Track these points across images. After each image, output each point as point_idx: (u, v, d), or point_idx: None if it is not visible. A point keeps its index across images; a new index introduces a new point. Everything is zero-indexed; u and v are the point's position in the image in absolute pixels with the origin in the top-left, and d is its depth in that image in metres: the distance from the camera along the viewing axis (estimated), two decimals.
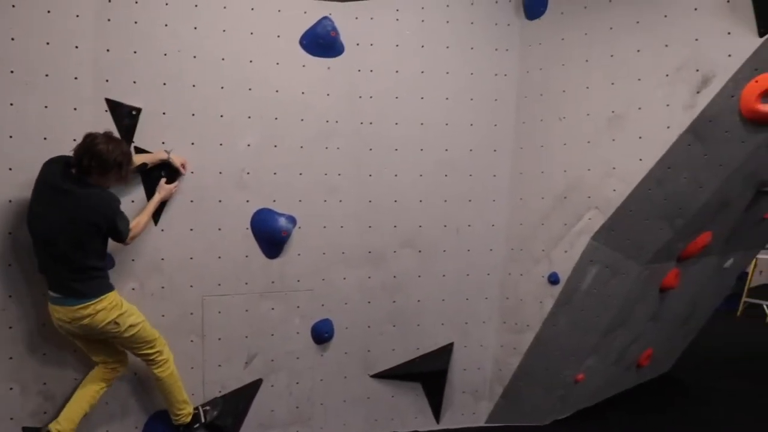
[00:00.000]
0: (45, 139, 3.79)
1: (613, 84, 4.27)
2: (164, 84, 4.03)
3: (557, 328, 4.78)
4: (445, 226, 4.76)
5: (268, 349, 4.56)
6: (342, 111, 4.46)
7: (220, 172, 4.24)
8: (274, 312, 4.53)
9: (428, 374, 4.96)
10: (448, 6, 4.56)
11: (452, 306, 4.90)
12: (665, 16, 4.03)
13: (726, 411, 5.52)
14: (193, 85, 4.10)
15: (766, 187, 4.55)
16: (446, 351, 4.96)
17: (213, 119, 4.17)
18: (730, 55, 3.82)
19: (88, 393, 3.95)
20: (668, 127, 4.06)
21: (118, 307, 3.75)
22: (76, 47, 3.82)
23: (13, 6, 3.66)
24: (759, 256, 9.52)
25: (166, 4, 3.99)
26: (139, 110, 3.98)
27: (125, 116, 3.96)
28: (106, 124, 3.89)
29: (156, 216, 4.11)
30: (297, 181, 4.42)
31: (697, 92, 3.94)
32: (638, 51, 4.15)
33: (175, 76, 4.05)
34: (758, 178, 4.43)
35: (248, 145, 4.27)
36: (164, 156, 3.99)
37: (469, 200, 4.76)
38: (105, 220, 3.60)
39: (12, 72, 3.69)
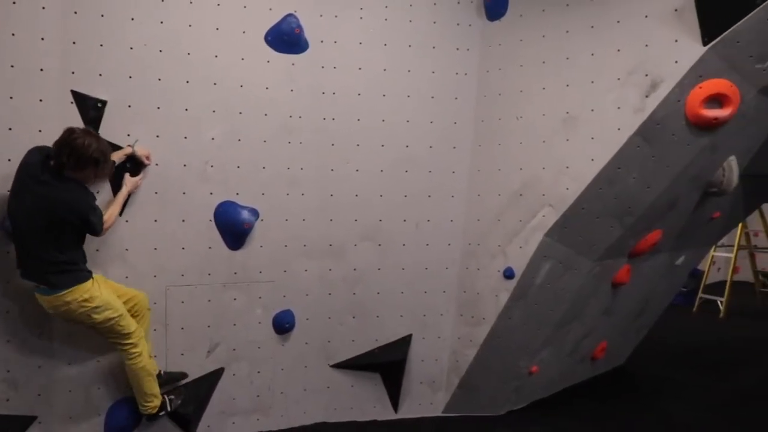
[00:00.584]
0: (10, 129, 3.83)
1: (567, 86, 4.39)
2: (130, 77, 4.09)
3: (512, 321, 4.91)
4: (404, 220, 4.87)
5: (230, 338, 4.64)
6: (305, 106, 4.54)
7: (185, 165, 4.31)
8: (237, 302, 4.61)
9: (387, 365, 5.07)
10: (411, 5, 4.65)
11: (411, 298, 5.01)
12: (618, 21, 4.17)
13: (678, 401, 5.70)
14: (159, 79, 4.16)
15: (713, 188, 4.71)
16: (405, 342, 5.07)
17: (178, 113, 4.24)
18: (677, 62, 3.96)
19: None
20: (619, 129, 4.19)
21: (94, 298, 3.79)
22: (42, 39, 3.86)
23: None
24: (716, 253, 9.82)
25: None
26: (104, 102, 4.03)
27: (91, 108, 4.01)
28: (71, 115, 3.95)
29: (121, 207, 4.17)
30: (260, 175, 4.50)
31: (646, 96, 4.07)
32: (592, 54, 4.28)
33: (141, 69, 4.11)
34: (703, 180, 4.60)
35: (212, 139, 4.35)
36: (129, 151, 4.05)
37: (429, 196, 4.87)
38: (77, 215, 3.67)
39: None
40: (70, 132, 3.58)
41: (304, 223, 4.69)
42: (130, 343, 4.02)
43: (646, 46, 4.07)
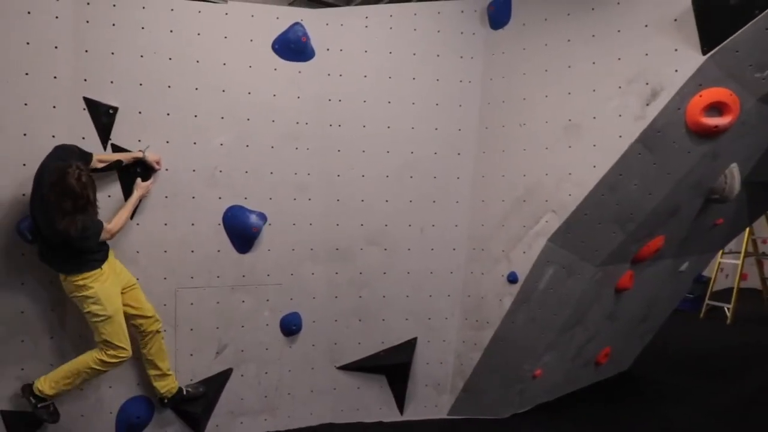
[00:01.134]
0: (25, 135, 3.94)
1: (569, 94, 4.45)
2: (140, 84, 4.20)
3: (516, 325, 4.97)
4: (409, 225, 4.94)
5: (238, 340, 4.73)
6: (312, 113, 4.63)
7: (194, 170, 4.41)
8: (245, 305, 4.70)
9: (392, 367, 5.13)
10: (415, 14, 4.74)
11: (416, 302, 5.08)
12: (619, 30, 4.22)
13: (681, 407, 5.71)
14: (169, 86, 4.27)
15: (715, 195, 4.75)
16: (410, 345, 5.13)
17: (187, 119, 4.35)
18: (676, 71, 4.01)
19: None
20: (620, 137, 4.24)
21: (88, 288, 3.88)
22: (56, 47, 3.98)
23: None
24: (723, 260, 9.81)
25: (143, 7, 4.17)
26: (116, 109, 4.15)
27: (102, 114, 4.12)
28: (83, 121, 4.07)
29: (131, 212, 4.27)
30: (268, 180, 4.60)
31: (647, 104, 4.12)
32: (593, 63, 4.34)
33: (151, 76, 4.23)
34: (705, 187, 4.64)
35: (221, 145, 4.45)
36: (139, 155, 4.16)
37: (433, 201, 4.94)
38: (71, 239, 3.74)
39: None
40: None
41: (311, 227, 4.77)
42: (112, 352, 4.04)
43: (647, 55, 4.12)
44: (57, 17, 3.95)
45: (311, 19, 4.54)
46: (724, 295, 10.00)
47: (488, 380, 5.20)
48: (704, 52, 3.90)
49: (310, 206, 4.74)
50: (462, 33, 4.80)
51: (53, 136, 3.93)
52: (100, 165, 4.04)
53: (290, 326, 4.84)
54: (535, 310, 4.92)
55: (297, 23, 4.50)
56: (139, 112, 4.22)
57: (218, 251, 4.56)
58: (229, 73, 4.40)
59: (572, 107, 4.46)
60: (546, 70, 4.55)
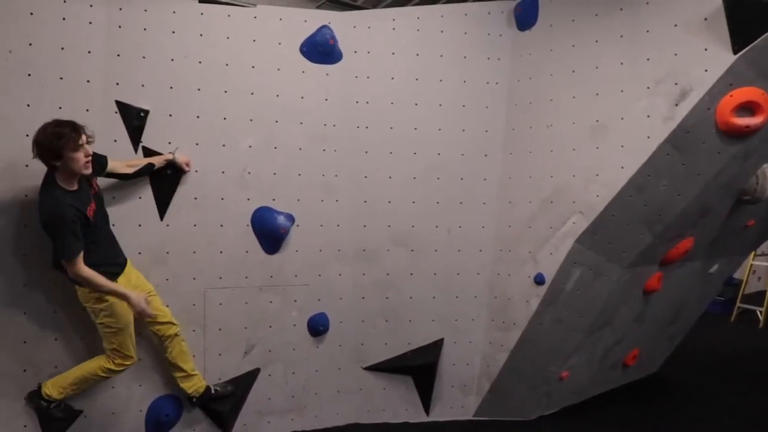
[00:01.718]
0: None
1: (597, 94, 4.43)
2: (171, 87, 4.26)
3: (543, 326, 4.96)
4: (436, 226, 4.95)
5: (266, 340, 4.77)
6: (339, 115, 4.66)
7: (223, 172, 4.46)
8: (273, 305, 4.74)
9: (419, 368, 5.14)
10: (442, 16, 4.75)
11: (443, 303, 5.08)
12: (647, 31, 4.19)
13: (710, 411, 5.65)
14: (198, 89, 4.33)
15: (746, 196, 4.69)
16: (436, 346, 5.14)
17: (216, 121, 4.40)
18: (706, 70, 3.97)
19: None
20: (648, 137, 4.21)
21: (101, 300, 3.88)
22: (89, 52, 4.05)
23: (31, 13, 3.90)
24: (755, 262, 9.66)
25: (174, 12, 4.22)
26: (147, 112, 4.21)
27: (134, 117, 4.19)
28: (115, 124, 4.14)
29: (162, 211, 4.34)
30: (295, 182, 4.63)
31: (676, 105, 4.09)
32: (621, 63, 4.31)
33: (181, 80, 4.28)
34: (735, 188, 4.59)
35: (249, 147, 4.49)
36: (169, 157, 4.23)
37: (460, 202, 4.94)
38: (43, 225, 3.69)
39: (29, 75, 3.92)
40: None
41: (338, 228, 4.80)
42: (119, 361, 4.09)
43: (676, 54, 4.08)
44: (90, 23, 4.03)
45: (339, 22, 4.57)
46: (756, 297, 9.83)
47: (515, 382, 5.19)
48: (735, 52, 3.86)
49: (337, 207, 4.77)
50: (489, 34, 4.79)
51: None
52: (131, 170, 4.10)
53: (317, 327, 4.88)
54: (562, 311, 4.91)
55: (325, 26, 4.53)
56: (170, 115, 4.28)
57: (246, 252, 4.61)
58: (257, 75, 4.44)
59: (600, 108, 4.43)
60: (573, 71, 4.53)
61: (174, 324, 4.29)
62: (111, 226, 4.08)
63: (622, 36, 4.31)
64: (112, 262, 3.97)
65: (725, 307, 9.70)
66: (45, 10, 3.93)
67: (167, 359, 4.36)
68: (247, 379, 4.78)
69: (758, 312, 9.40)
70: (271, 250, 4.67)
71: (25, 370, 4.18)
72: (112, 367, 4.09)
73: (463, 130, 4.86)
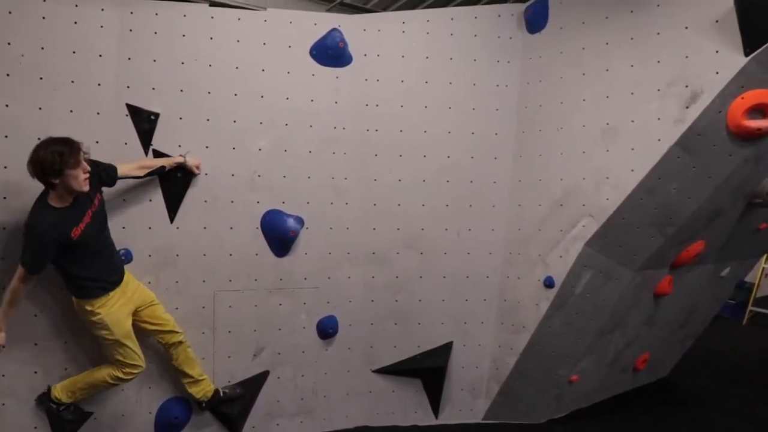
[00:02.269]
0: None
1: (607, 97, 4.41)
2: (181, 91, 4.28)
3: (552, 329, 4.94)
4: (446, 229, 4.95)
5: (275, 342, 4.78)
6: (349, 118, 4.66)
7: (233, 175, 4.47)
8: (282, 308, 4.75)
9: (428, 371, 5.14)
10: (452, 19, 4.74)
11: (452, 306, 5.08)
12: (658, 33, 4.16)
13: (721, 415, 5.63)
14: (209, 92, 4.34)
15: (758, 198, 4.66)
16: (446, 349, 5.14)
17: (226, 124, 4.41)
18: (717, 73, 3.94)
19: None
20: (659, 140, 4.19)
21: (95, 314, 3.90)
22: (100, 56, 4.08)
23: (43, 17, 3.92)
24: None
25: (184, 15, 4.24)
26: (157, 115, 4.23)
27: (144, 121, 4.21)
28: (126, 127, 4.17)
29: (172, 214, 4.36)
30: (305, 184, 4.64)
31: (687, 107, 4.06)
32: (632, 66, 4.29)
33: (192, 83, 4.30)
34: (746, 191, 4.56)
35: (259, 149, 4.50)
36: (180, 160, 4.24)
37: (470, 205, 4.94)
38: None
39: (41, 78, 3.95)
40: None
41: (348, 231, 4.80)
42: (123, 371, 4.11)
43: (687, 57, 4.05)
44: (102, 26, 4.05)
45: (349, 25, 4.57)
46: None
47: (524, 385, 5.18)
48: (747, 54, 3.83)
49: (347, 210, 4.77)
50: (499, 37, 4.79)
51: (97, 142, 4.02)
52: (143, 173, 4.12)
53: (327, 329, 4.88)
54: (572, 315, 4.89)
55: (335, 29, 4.53)
56: (180, 118, 4.29)
57: (256, 255, 4.62)
58: (267, 79, 4.45)
59: (610, 111, 4.41)
60: (583, 74, 4.52)
61: (177, 332, 4.30)
62: (121, 229, 4.12)
63: (632, 38, 4.28)
64: (105, 279, 3.93)
65: (737, 311, 9.63)
66: (57, 14, 3.95)
67: (174, 366, 4.38)
68: (257, 382, 4.79)
69: None
70: (281, 252, 4.67)
71: (35, 372, 4.21)
72: (121, 375, 4.11)
73: (473, 133, 4.85)
